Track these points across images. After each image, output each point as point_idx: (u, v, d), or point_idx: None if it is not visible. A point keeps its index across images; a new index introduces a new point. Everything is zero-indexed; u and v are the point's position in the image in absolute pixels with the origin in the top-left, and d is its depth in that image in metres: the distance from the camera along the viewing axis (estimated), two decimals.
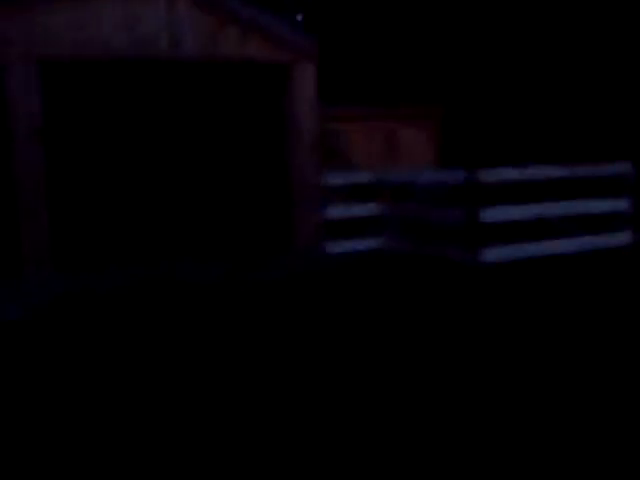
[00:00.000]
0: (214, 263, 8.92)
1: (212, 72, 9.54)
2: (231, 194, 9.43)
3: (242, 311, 7.41)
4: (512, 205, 9.64)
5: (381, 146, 13.31)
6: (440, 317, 7.09)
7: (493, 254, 9.43)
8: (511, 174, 9.71)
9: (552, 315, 6.97)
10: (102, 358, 6.05)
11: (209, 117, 9.39)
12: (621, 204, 10.34)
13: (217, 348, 6.22)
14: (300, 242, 9.80)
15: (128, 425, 4.63)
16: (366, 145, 13.01)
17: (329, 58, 10.53)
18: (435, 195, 10.44)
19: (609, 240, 10.20)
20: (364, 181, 10.77)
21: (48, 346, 6.42)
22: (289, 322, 7.04)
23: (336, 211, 10.41)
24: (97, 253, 8.88)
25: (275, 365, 5.69)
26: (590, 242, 10.02)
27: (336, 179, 10.57)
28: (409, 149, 13.58)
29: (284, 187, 9.85)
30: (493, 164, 11.98)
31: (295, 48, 9.67)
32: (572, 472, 3.81)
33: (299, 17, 16.62)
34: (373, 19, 16.43)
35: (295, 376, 5.42)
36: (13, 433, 4.56)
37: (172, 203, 9.24)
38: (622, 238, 10.30)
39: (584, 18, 14.50)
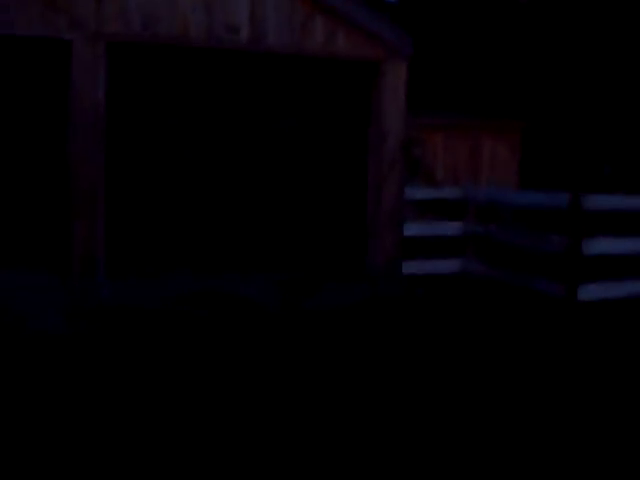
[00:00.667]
0: (276, 281, 8.05)
1: (296, 67, 8.68)
2: (301, 202, 8.57)
3: (304, 342, 6.56)
4: (618, 237, 8.63)
5: (464, 159, 12.40)
6: (535, 361, 6.15)
7: (594, 291, 8.38)
8: (622, 202, 8.69)
9: None
10: (149, 388, 5.26)
11: (286, 117, 8.54)
12: None
13: (281, 387, 5.38)
14: (375, 261, 8.88)
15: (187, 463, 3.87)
16: (448, 157, 12.09)
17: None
18: (527, 218, 9.46)
19: None
20: (448, 197, 9.82)
21: (91, 371, 5.65)
22: (360, 359, 6.17)
23: (416, 228, 9.48)
24: (149, 259, 8.09)
25: (342, 413, 4.83)
26: None
27: (418, 193, 9.64)
28: (493, 163, 12.63)
29: (361, 198, 8.96)
30: (576, 184, 11.01)
31: (387, 44, 8.75)
32: None
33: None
34: (459, 23, 15.47)
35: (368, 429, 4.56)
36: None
37: (235, 210, 8.40)
38: None
39: None
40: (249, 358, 6.06)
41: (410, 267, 9.36)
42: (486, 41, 15.35)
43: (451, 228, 9.69)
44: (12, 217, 7.70)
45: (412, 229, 9.30)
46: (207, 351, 6.20)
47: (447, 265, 9.64)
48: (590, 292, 8.30)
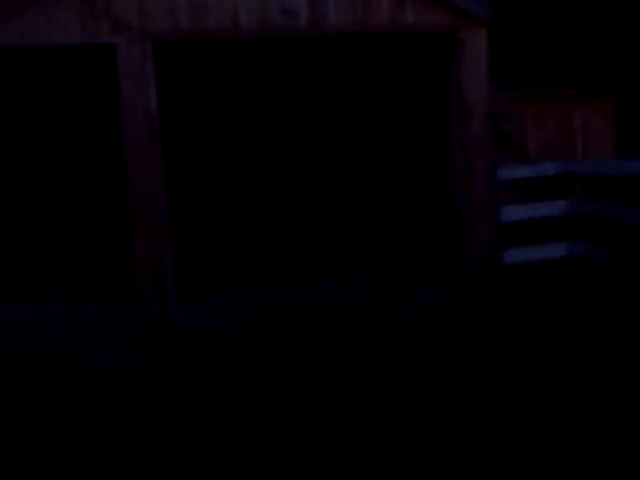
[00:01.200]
0: (362, 285, 7.17)
1: (360, 46, 7.81)
2: (382, 195, 7.69)
3: (401, 362, 5.71)
4: None
5: (555, 132, 11.33)
6: None
7: None
8: None
9: None
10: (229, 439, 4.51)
11: (356, 104, 7.72)
12: None
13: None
14: (470, 252, 7.93)
15: None
16: (539, 131, 11.04)
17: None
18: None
19: None
20: (548, 174, 8.77)
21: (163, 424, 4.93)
22: (468, 381, 5.27)
23: (515, 212, 8.48)
24: (221, 273, 7.36)
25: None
26: None
27: (514, 172, 8.63)
28: (586, 134, 11.49)
29: (448, 183, 8.03)
30: None
31: (461, 9, 7.80)
32: None
33: None
34: None
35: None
36: None
37: (310, 210, 7.59)
38: None
39: None
40: (334, 387, 5.26)
41: (511, 256, 8.38)
42: (572, 6, 14.17)
43: (556, 208, 8.56)
44: (71, 239, 7.11)
45: (510, 213, 8.30)
46: (290, 383, 5.44)
47: (553, 250, 8.55)
48: None
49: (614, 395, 4.72)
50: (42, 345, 6.20)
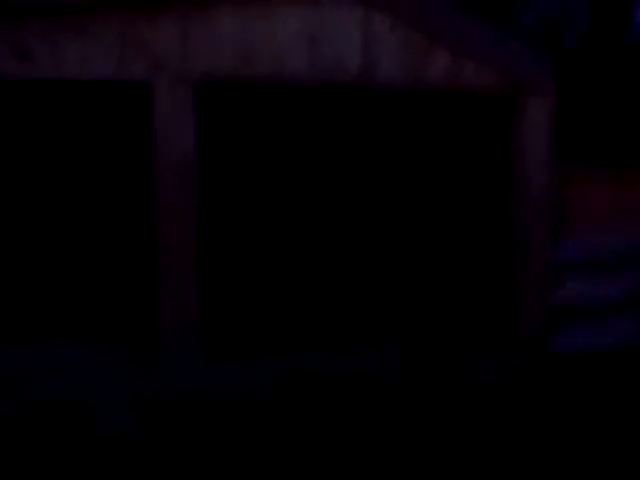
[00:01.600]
0: (401, 356, 6.49)
1: (412, 104, 7.37)
2: (429, 261, 7.13)
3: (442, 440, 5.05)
4: None
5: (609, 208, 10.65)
6: None
7: None
8: None
9: None
10: None
11: (404, 163, 7.24)
12: None
13: None
14: (519, 334, 7.26)
15: None
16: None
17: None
18: None
19: None
20: (608, 253, 8.10)
21: None
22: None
23: (570, 292, 7.82)
24: (253, 334, 6.77)
25: None
26: None
27: (572, 250, 7.99)
28: None
29: (501, 255, 7.42)
30: None
31: (523, 75, 7.33)
32: None
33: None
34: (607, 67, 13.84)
35: None
36: None
37: (350, 272, 7.03)
38: None
39: None
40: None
41: (565, 341, 7.66)
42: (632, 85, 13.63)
43: (620, 289, 7.86)
44: (89, 284, 6.64)
45: (567, 293, 7.63)
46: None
47: (611, 335, 7.85)
48: None
49: None
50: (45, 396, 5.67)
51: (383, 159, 7.19)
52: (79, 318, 6.32)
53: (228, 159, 6.92)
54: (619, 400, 6.17)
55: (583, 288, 7.60)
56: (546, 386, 6.36)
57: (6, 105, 6.43)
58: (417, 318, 6.83)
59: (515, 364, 6.62)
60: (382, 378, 5.95)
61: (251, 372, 5.98)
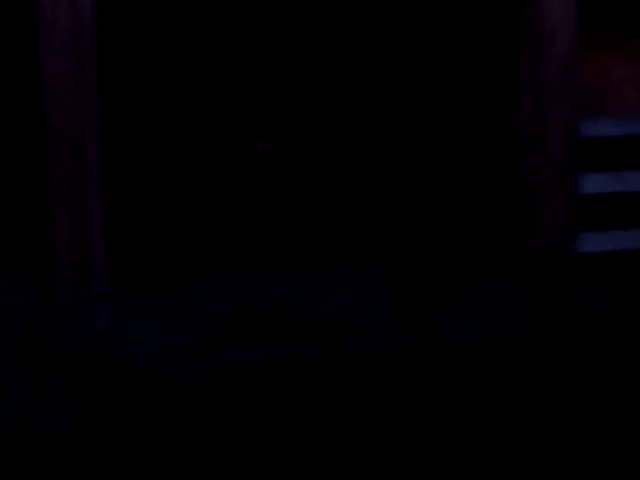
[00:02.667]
0: (375, 278, 4.75)
1: None
2: (406, 146, 5.35)
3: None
4: None
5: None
6: None
7: None
8: None
9: None
10: None
11: (385, 17, 5.35)
12: None
13: None
14: (538, 238, 5.60)
15: None
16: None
17: None
18: None
19: None
20: None
21: None
22: None
23: (598, 183, 6.14)
24: (177, 259, 5.10)
25: None
26: None
27: (602, 128, 6.26)
28: None
29: (508, 138, 5.67)
30: None
31: None
32: None
33: None
34: None
35: None
36: None
37: (303, 163, 5.21)
38: None
39: None
40: None
41: (590, 243, 6.09)
42: None
43: None
44: None
45: (594, 185, 5.96)
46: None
47: None
48: None
49: None
50: None
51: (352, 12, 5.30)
52: None
53: (144, 23, 5.04)
54: None
55: (614, 178, 5.93)
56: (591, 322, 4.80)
57: None
58: (402, 227, 5.07)
59: (532, 287, 5.00)
60: (363, 324, 4.29)
61: (170, 313, 4.36)
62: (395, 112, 5.25)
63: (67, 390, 3.93)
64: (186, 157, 5.11)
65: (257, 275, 4.56)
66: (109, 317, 4.66)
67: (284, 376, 4.11)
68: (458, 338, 4.37)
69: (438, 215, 5.20)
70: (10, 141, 4.78)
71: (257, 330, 4.34)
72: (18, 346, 4.13)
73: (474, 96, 5.44)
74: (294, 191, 5.16)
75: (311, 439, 3.51)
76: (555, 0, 5.28)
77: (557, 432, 3.62)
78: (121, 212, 4.76)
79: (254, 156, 5.22)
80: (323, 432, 3.54)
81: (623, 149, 6.07)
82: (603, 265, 5.57)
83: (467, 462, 3.36)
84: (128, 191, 4.91)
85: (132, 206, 4.88)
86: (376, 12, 5.11)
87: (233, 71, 5.02)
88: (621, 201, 5.86)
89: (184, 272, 4.89)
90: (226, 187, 5.18)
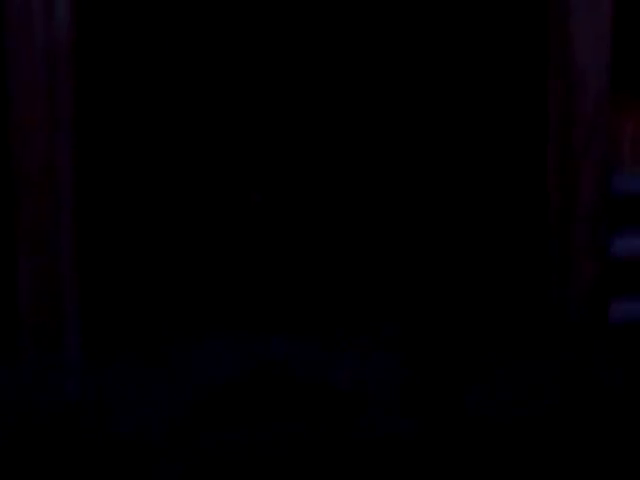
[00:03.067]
0: (392, 354, 4.12)
1: None
2: (425, 199, 4.83)
3: None
4: None
5: None
6: None
7: None
8: None
9: None
10: None
11: (402, 45, 4.85)
12: None
13: None
14: (568, 304, 5.00)
15: None
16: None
17: None
18: None
19: None
20: None
21: None
22: None
23: (631, 243, 5.55)
24: (159, 318, 4.49)
25: None
26: None
27: (633, 184, 5.71)
28: None
29: (532, 190, 5.11)
30: None
31: None
32: None
33: None
34: None
35: None
36: None
37: (306, 216, 4.65)
38: None
39: None
40: None
41: (622, 310, 5.50)
42: None
43: None
44: None
45: (627, 245, 5.39)
46: None
47: None
48: None
49: None
50: None
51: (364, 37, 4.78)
52: None
53: (126, 42, 4.53)
54: None
55: None
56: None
57: None
58: (428, 291, 4.45)
59: (563, 360, 4.36)
60: (377, 396, 3.66)
61: (159, 378, 3.74)
62: (418, 170, 4.73)
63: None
64: (175, 206, 4.55)
65: (258, 336, 3.97)
66: (82, 385, 4.05)
67: (283, 459, 3.49)
68: (485, 418, 3.75)
69: (462, 279, 4.61)
70: None
71: (255, 403, 3.72)
72: None
73: (499, 143, 4.92)
74: (296, 245, 4.59)
75: None
76: (588, 43, 4.81)
77: None
78: (98, 262, 4.17)
79: (250, 208, 4.68)
80: None
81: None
82: (637, 334, 4.99)
83: None
84: (107, 240, 4.33)
85: (111, 257, 4.29)
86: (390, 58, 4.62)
87: (226, 113, 4.49)
88: None
89: (171, 332, 4.29)
90: (220, 240, 4.62)
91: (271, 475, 3.30)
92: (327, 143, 4.59)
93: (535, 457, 3.56)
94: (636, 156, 6.74)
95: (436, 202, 4.76)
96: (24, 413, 3.66)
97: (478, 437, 3.53)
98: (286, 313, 4.23)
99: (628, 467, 3.59)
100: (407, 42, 4.49)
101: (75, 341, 3.98)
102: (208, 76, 4.45)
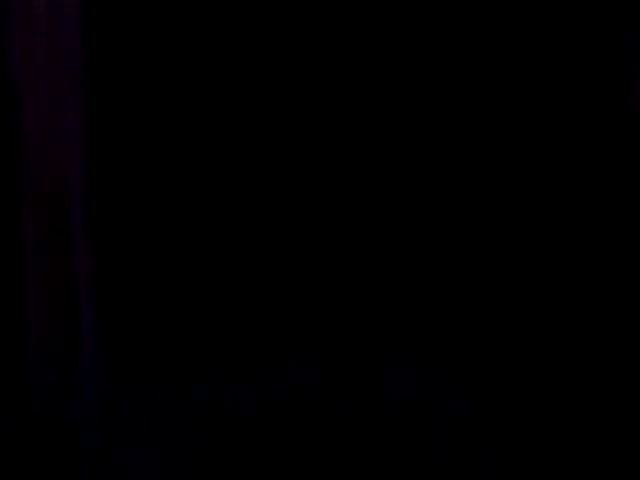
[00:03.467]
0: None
1: None
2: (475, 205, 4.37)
3: None
4: None
5: None
6: None
7: None
8: None
9: None
10: None
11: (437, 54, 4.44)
12: None
13: None
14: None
15: None
16: None
17: None
18: None
19: None
20: None
21: None
22: None
23: None
24: (182, 336, 4.03)
25: None
26: None
27: None
28: None
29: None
30: None
31: None
32: None
33: None
34: None
35: None
36: None
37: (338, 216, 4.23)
38: None
39: None
40: None
41: None
42: None
43: None
44: None
45: None
46: None
47: None
48: None
49: None
50: None
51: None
52: None
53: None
54: None
55: None
56: None
57: None
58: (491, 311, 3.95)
59: None
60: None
61: (177, 410, 3.25)
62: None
63: None
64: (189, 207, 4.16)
65: (295, 361, 3.55)
66: (104, 417, 3.63)
67: None
68: None
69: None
70: None
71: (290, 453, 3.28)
72: None
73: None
74: (320, 259, 4.20)
75: None
76: None
77: None
78: (117, 279, 3.74)
79: (278, 218, 4.29)
80: None
81: None
82: None
83: None
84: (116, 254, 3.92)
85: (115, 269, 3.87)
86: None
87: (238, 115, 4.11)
88: None
89: (194, 361, 3.87)
90: (245, 257, 4.23)
91: None
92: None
93: None
94: None
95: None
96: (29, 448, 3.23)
97: None
98: (316, 334, 3.83)
99: None
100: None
101: (91, 359, 3.55)
102: (217, 76, 4.10)
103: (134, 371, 3.45)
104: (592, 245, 4.21)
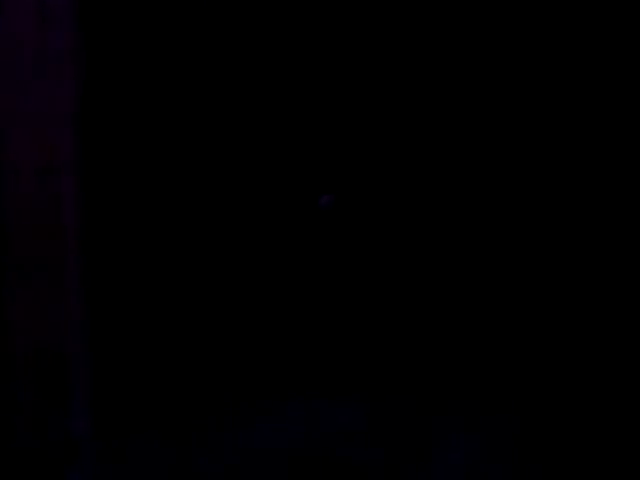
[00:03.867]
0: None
1: None
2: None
3: None
4: None
5: None
6: None
7: None
8: None
9: None
10: None
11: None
12: None
13: None
14: None
15: None
16: None
17: None
18: None
19: None
20: None
21: None
22: None
23: None
24: (190, 387, 3.69)
25: None
26: None
27: None
28: None
29: None
30: None
31: None
32: None
33: None
34: None
35: None
36: None
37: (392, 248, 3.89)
38: None
39: None
40: None
41: None
42: None
43: None
44: None
45: None
46: None
47: None
48: None
49: None
50: None
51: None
52: None
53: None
54: None
55: None
56: None
57: None
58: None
59: None
60: None
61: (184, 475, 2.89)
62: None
63: None
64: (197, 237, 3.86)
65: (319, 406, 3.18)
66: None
67: None
68: None
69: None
70: None
71: None
72: None
73: None
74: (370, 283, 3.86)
75: None
76: None
77: None
78: (106, 319, 3.42)
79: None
80: None
81: None
82: None
83: None
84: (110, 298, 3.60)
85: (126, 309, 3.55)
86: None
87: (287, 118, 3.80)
88: None
89: (203, 405, 3.51)
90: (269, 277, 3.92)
91: None
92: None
93: None
94: None
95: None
96: None
97: None
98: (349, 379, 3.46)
99: None
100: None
101: (80, 416, 3.18)
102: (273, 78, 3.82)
103: (133, 420, 3.09)
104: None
